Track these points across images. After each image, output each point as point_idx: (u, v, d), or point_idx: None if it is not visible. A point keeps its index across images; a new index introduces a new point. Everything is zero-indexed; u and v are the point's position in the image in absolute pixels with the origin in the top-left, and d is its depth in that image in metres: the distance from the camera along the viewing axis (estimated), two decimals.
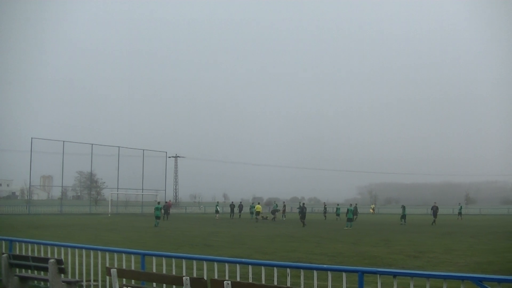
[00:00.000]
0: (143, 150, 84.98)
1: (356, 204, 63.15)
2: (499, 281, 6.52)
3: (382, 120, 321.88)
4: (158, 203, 47.15)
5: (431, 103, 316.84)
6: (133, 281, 9.52)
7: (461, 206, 65.49)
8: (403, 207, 50.15)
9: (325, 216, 61.93)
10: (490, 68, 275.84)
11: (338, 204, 72.13)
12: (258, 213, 54.00)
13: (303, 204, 47.27)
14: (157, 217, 41.58)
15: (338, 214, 59.81)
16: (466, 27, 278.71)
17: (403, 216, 48.74)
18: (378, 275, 7.25)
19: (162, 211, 44.78)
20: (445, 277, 6.97)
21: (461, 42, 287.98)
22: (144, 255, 10.10)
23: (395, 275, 7.17)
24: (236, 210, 63.06)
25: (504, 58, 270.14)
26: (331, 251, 21.65)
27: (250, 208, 64.09)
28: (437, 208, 50.43)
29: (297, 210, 51.49)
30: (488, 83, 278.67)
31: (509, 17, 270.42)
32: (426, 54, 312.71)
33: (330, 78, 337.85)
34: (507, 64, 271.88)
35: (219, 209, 61.68)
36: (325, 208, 65.14)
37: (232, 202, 66.12)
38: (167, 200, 69.65)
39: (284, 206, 64.19)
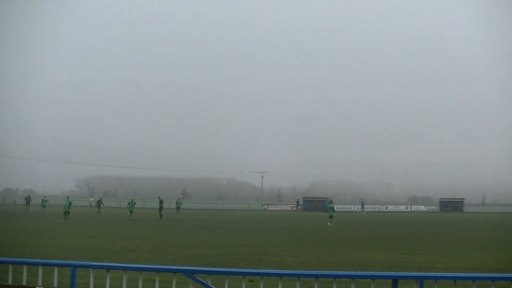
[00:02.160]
0: None
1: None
2: (209, 273, 6.83)
3: (102, 108, 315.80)
4: None
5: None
6: None
7: (180, 201, 65.65)
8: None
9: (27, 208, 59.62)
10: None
11: (45, 196, 69.49)
12: None
13: None
14: None
15: (44, 206, 59.76)
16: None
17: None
18: (91, 269, 7.09)
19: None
20: (157, 270, 7.06)
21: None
22: None
23: (108, 268, 7.07)
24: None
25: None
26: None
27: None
28: (162, 201, 52.13)
29: None
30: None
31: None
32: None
33: None
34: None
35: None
36: (27, 199, 62.59)
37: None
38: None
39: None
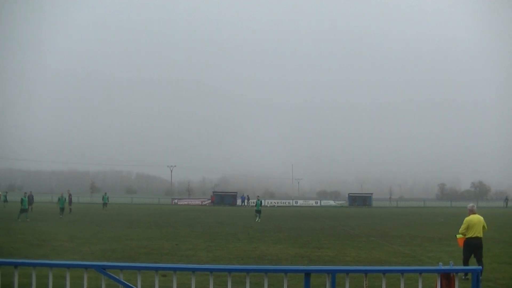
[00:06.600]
0: None
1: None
2: (121, 268, 6.73)
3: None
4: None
5: None
6: None
7: (107, 197, 58.19)
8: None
9: None
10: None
11: None
12: None
13: None
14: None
15: None
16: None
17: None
18: None
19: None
20: (68, 266, 6.90)
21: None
22: None
23: (16, 265, 6.85)
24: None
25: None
26: None
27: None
28: (71, 195, 50.47)
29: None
30: None
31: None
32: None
33: None
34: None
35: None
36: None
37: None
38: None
39: None
